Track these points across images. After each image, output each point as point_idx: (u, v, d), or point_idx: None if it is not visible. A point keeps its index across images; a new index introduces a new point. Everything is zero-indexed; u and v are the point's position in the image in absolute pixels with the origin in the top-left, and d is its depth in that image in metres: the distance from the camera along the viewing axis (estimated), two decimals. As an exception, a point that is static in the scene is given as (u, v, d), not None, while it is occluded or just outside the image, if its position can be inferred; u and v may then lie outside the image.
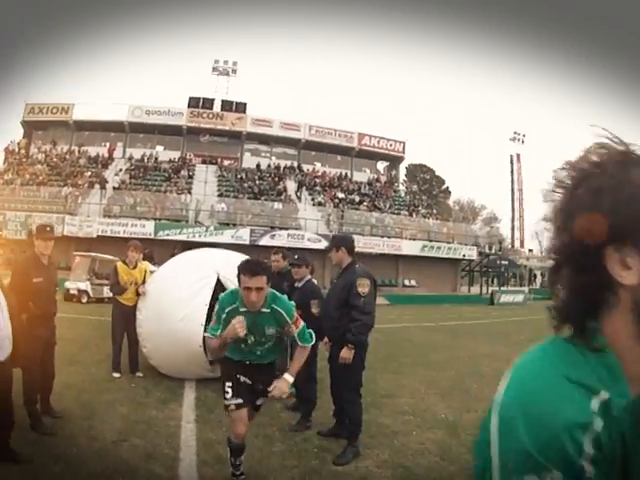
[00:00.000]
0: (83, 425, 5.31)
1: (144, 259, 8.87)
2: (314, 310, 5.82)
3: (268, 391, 3.91)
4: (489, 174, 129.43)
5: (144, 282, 7.81)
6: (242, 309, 3.81)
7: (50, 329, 5.58)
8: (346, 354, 4.97)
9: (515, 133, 63.61)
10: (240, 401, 4.02)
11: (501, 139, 64.47)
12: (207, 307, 6.84)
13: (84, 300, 18.21)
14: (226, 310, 3.87)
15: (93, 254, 20.18)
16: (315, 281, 6.84)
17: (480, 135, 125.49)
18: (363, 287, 5.08)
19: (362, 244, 31.02)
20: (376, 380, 7.77)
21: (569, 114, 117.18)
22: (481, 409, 6.46)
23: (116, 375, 7.48)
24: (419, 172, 72.28)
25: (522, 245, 63.09)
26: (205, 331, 6.27)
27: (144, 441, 5.00)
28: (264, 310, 3.86)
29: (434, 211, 43.11)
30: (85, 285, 18.70)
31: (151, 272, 8.39)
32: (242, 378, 4.09)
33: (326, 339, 5.33)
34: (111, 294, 8.33)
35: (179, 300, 6.98)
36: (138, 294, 7.66)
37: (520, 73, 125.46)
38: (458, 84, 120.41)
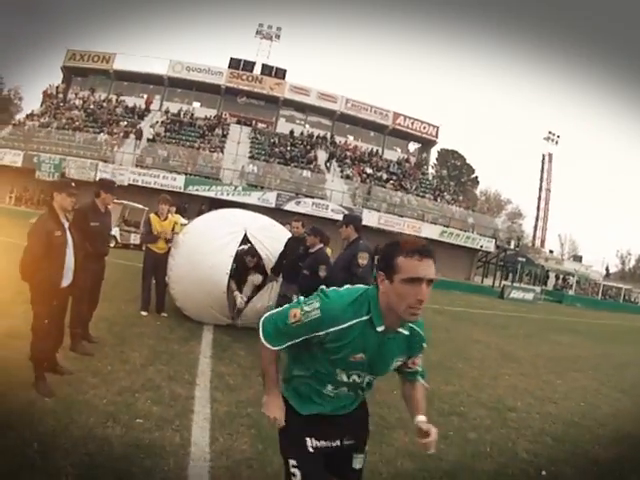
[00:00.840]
0: (116, 350, 6.04)
1: (176, 212, 9.52)
2: (321, 273, 6.61)
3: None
4: (519, 170, 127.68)
5: (173, 232, 8.49)
6: (378, 327, 2.19)
7: (101, 266, 6.23)
8: None
9: (550, 133, 63.58)
10: None
11: (535, 137, 64.29)
12: (232, 258, 7.83)
13: (112, 245, 18.96)
14: (334, 328, 2.19)
15: (125, 202, 20.82)
16: (328, 250, 7.75)
17: (516, 131, 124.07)
18: (363, 259, 6.01)
19: (383, 221, 31.59)
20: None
21: (603, 118, 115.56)
22: (459, 384, 7.15)
23: (144, 313, 8.24)
24: (450, 158, 72.43)
25: (543, 245, 63.41)
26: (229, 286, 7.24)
27: (167, 367, 5.76)
28: (401, 330, 2.28)
29: (459, 198, 43.16)
30: (114, 231, 19.39)
31: (181, 224, 9.12)
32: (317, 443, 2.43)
33: None
34: (139, 242, 8.97)
35: (210, 250, 7.72)
36: (167, 242, 8.36)
37: (560, 75, 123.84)
38: (501, 78, 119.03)
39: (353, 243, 6.30)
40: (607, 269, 61.26)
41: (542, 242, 64.10)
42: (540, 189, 64.70)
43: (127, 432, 3.88)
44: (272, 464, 3.62)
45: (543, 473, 4.55)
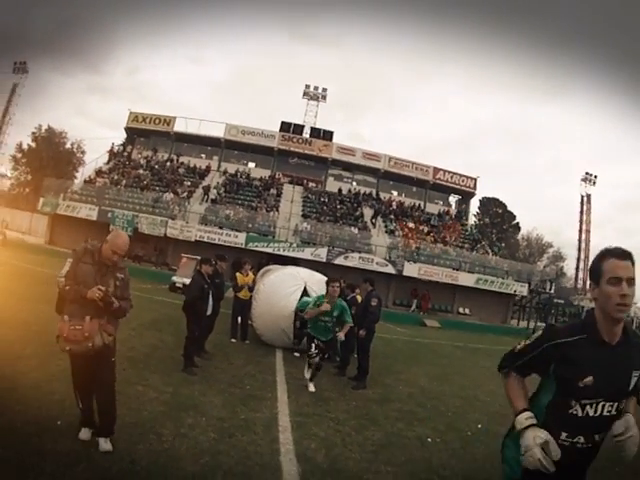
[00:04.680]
0: (224, 359, 9.72)
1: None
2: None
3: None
4: (558, 213, 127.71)
5: (254, 284, 12.23)
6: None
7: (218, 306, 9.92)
8: (362, 333, 9.80)
9: (587, 174, 64.32)
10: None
11: (573, 180, 64.80)
12: (297, 301, 11.41)
13: None
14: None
15: (198, 257, 24.33)
16: (358, 297, 11.45)
17: (553, 174, 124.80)
18: (373, 302, 9.97)
19: (422, 272, 34.35)
20: (397, 366, 11.80)
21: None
22: (449, 388, 10.63)
23: (233, 340, 11.96)
24: (492, 206, 74.14)
25: (584, 285, 63.45)
26: (296, 319, 11.25)
27: (257, 368, 9.46)
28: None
29: (495, 248, 45.01)
30: (190, 281, 22.97)
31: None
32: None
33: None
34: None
35: (282, 296, 11.50)
36: (250, 290, 12.04)
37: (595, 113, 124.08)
38: (532, 120, 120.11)
39: (369, 293, 10.36)
40: None
41: (584, 282, 64.15)
42: (580, 231, 65.39)
43: (240, 391, 7.42)
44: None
45: (429, 440, 6.81)
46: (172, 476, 4.28)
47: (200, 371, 8.30)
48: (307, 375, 8.54)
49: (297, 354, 11.28)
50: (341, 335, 8.27)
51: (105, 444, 4.46)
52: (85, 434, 4.59)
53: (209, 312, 9.05)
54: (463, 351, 18.70)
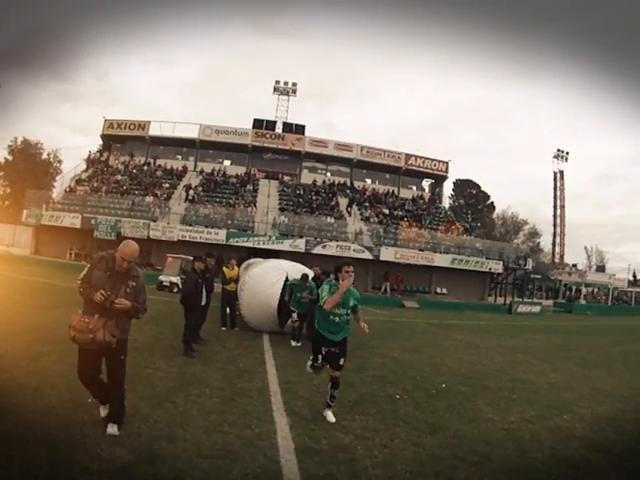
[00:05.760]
0: (218, 343, 10.92)
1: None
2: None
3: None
4: (534, 190, 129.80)
5: (238, 276, 13.47)
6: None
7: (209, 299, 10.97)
8: None
9: (559, 150, 66.45)
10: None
11: (547, 157, 65.97)
12: (280, 291, 12.81)
13: (175, 290, 23.34)
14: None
15: (183, 256, 25.44)
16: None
17: (526, 152, 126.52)
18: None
19: (399, 255, 35.62)
20: (373, 342, 13.05)
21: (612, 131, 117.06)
22: (420, 358, 11.92)
23: (223, 328, 13.17)
24: (466, 187, 75.50)
25: (562, 260, 65.46)
26: (280, 304, 12.49)
27: (247, 350, 10.75)
28: None
29: (477, 225, 45.85)
30: (176, 279, 24.08)
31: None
32: None
33: None
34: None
35: (266, 286, 12.79)
36: (236, 283, 13.30)
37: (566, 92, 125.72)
38: (504, 100, 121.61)
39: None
40: (634, 275, 62.66)
41: (561, 257, 66.81)
42: (555, 207, 67.62)
43: (235, 368, 8.59)
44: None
45: (397, 397, 8.06)
46: (188, 430, 5.43)
47: (198, 354, 9.52)
48: (328, 400, 6.66)
49: (297, 343, 12.05)
50: (365, 327, 6.73)
51: (111, 428, 5.05)
52: (104, 411, 5.29)
53: (203, 302, 10.34)
54: (438, 327, 19.97)
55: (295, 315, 12.21)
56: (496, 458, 5.55)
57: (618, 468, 5.57)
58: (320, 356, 6.62)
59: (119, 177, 42.49)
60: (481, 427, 6.71)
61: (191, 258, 22.53)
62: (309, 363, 6.86)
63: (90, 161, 45.61)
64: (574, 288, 50.43)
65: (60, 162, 64.91)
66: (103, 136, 47.83)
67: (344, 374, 9.03)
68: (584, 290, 48.76)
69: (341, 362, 6.68)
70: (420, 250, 37.28)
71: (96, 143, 50.04)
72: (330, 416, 6.44)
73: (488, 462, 5.41)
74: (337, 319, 6.59)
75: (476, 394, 8.66)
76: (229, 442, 5.19)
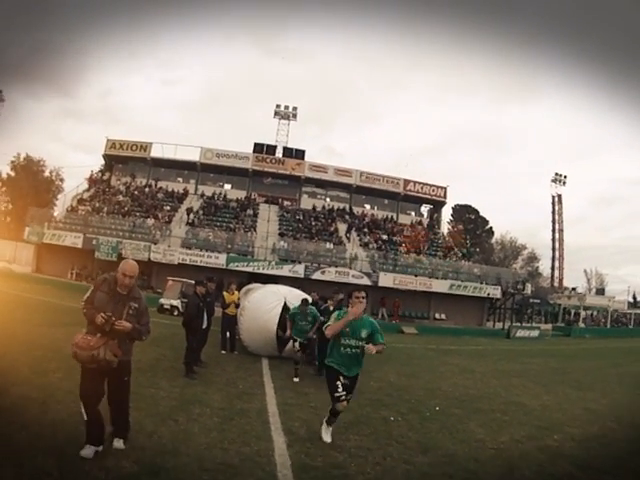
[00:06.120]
0: (217, 366, 11.18)
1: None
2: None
3: None
4: (533, 214, 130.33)
5: (238, 301, 13.76)
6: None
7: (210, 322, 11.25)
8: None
9: (556, 174, 67.06)
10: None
11: (546, 180, 66.50)
12: (278, 316, 13.00)
13: (175, 313, 23.66)
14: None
15: (183, 280, 25.74)
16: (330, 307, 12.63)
17: (526, 176, 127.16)
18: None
19: (397, 281, 35.85)
20: (369, 366, 13.34)
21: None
22: (416, 382, 12.16)
23: (223, 352, 13.40)
24: (465, 212, 75.86)
25: (561, 284, 65.57)
26: (277, 330, 12.76)
27: (247, 373, 10.97)
28: None
29: (476, 250, 46.02)
30: (177, 302, 24.36)
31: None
32: None
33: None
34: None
35: (265, 311, 13.04)
36: (236, 307, 13.55)
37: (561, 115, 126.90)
38: (503, 123, 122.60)
39: (339, 302, 12.24)
40: (634, 297, 62.80)
41: (560, 281, 66.90)
42: (553, 230, 68.17)
43: (235, 390, 8.85)
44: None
45: (392, 418, 8.39)
46: (190, 445, 5.69)
47: (199, 376, 9.81)
48: (325, 428, 6.63)
49: (296, 379, 11.08)
50: (371, 348, 6.14)
51: (117, 443, 5.26)
52: (87, 452, 4.87)
53: (204, 325, 10.65)
54: (435, 352, 20.20)
55: (297, 344, 11.63)
56: (484, 475, 5.79)
57: None
58: (340, 384, 6.25)
59: (121, 198, 42.88)
60: (472, 447, 6.94)
61: (191, 282, 22.87)
62: (331, 407, 6.48)
63: (92, 181, 46.12)
64: (573, 312, 50.41)
65: (62, 180, 65.22)
66: (105, 156, 48.27)
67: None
68: (583, 313, 48.80)
69: (348, 397, 6.43)
70: (415, 276, 37.49)
71: (97, 161, 50.64)
72: (327, 435, 6.42)
73: (476, 479, 5.64)
74: (348, 351, 6.25)
75: (469, 416, 8.88)
76: (229, 457, 5.44)
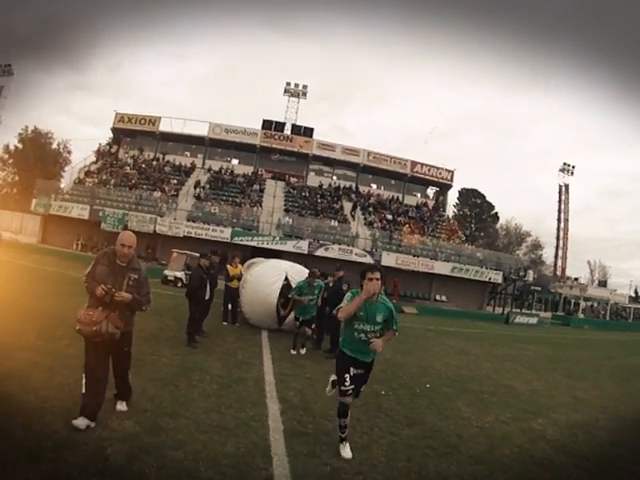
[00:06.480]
0: (219, 336, 11.55)
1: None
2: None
3: None
4: (541, 201, 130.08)
5: (241, 274, 14.07)
6: None
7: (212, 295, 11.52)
8: (334, 313, 11.13)
9: (565, 164, 66.78)
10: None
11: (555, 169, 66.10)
12: (279, 289, 13.32)
13: (179, 285, 24.08)
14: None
15: (187, 252, 26.14)
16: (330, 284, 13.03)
17: (535, 163, 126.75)
18: (344, 286, 11.76)
19: (400, 261, 36.16)
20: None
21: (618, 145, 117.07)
22: (412, 360, 12.47)
23: (224, 323, 13.78)
24: (471, 196, 75.83)
25: (563, 273, 65.74)
26: (277, 305, 13.05)
27: (247, 344, 11.27)
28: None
29: (481, 234, 46.18)
30: (181, 274, 24.77)
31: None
32: None
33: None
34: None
35: (266, 285, 13.33)
36: (239, 280, 13.88)
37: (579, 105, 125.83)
38: (514, 110, 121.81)
39: (340, 279, 12.63)
40: (636, 292, 62.96)
41: (563, 270, 66.92)
42: (559, 220, 67.93)
43: (234, 359, 9.20)
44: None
45: (382, 392, 8.75)
46: (189, 409, 6.04)
47: (200, 345, 10.17)
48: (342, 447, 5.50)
49: (294, 351, 11.36)
50: (377, 344, 5.42)
51: (121, 405, 5.63)
52: (81, 422, 4.89)
53: (207, 297, 10.97)
54: (433, 333, 20.54)
55: (297, 323, 11.63)
56: (466, 451, 6.07)
57: (580, 467, 6.04)
58: (348, 377, 5.54)
59: (128, 170, 43.27)
60: (457, 424, 7.24)
61: (196, 254, 23.17)
62: (328, 388, 6.20)
63: (100, 153, 46.61)
64: (573, 301, 50.72)
65: (70, 153, 65.93)
66: (113, 129, 48.74)
67: (334, 370, 9.69)
68: (583, 304, 49.05)
69: (362, 388, 5.83)
70: (415, 256, 37.88)
71: (105, 135, 50.98)
72: (347, 451, 5.44)
73: (458, 454, 5.94)
74: (362, 336, 5.49)
75: (458, 395, 9.20)
76: (225, 421, 5.80)
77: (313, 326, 11.79)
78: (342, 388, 5.57)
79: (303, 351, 11.15)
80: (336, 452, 5.36)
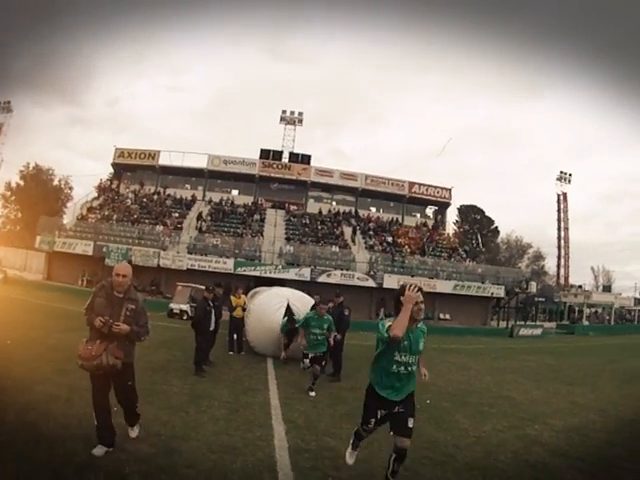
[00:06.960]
0: (225, 365, 11.93)
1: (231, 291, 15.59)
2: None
3: None
4: (541, 212, 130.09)
5: (245, 304, 14.53)
6: None
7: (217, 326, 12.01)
8: (337, 337, 11.31)
9: (562, 173, 66.77)
10: None
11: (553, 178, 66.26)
12: (282, 317, 13.72)
13: (184, 317, 24.39)
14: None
15: (192, 285, 26.58)
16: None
17: (533, 174, 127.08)
18: (345, 312, 12.23)
19: (402, 282, 36.29)
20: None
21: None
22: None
23: (231, 353, 14.21)
24: (470, 213, 76.10)
25: (566, 282, 65.33)
26: (282, 330, 13.31)
27: (252, 371, 11.71)
28: None
29: (482, 250, 46.31)
30: (186, 307, 25.19)
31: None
32: None
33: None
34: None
35: (269, 313, 13.86)
36: (243, 310, 14.35)
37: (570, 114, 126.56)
38: (510, 122, 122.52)
39: (340, 304, 12.82)
40: None
41: (566, 279, 66.73)
42: (559, 229, 67.85)
43: (241, 386, 9.60)
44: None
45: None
46: (200, 432, 6.48)
47: (208, 374, 10.64)
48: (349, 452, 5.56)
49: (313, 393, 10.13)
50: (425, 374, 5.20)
51: (132, 432, 5.91)
52: (99, 450, 5.22)
53: (212, 327, 11.50)
54: (437, 351, 20.74)
55: (307, 361, 10.25)
56: (462, 459, 6.44)
57: (573, 468, 6.35)
58: (374, 421, 5.00)
59: (129, 204, 43.74)
60: (454, 434, 7.63)
61: (201, 287, 23.55)
62: (355, 430, 5.43)
63: (101, 189, 46.99)
64: (577, 309, 50.84)
65: (71, 189, 66.36)
66: (114, 164, 49.17)
67: (337, 392, 10.18)
68: (587, 311, 49.18)
69: (410, 424, 4.93)
70: (413, 276, 37.90)
71: (105, 169, 51.45)
72: (351, 458, 5.41)
73: (454, 462, 6.31)
74: (402, 369, 4.81)
75: (457, 408, 9.60)
76: (234, 442, 6.22)
77: (324, 363, 10.81)
78: (364, 427, 5.15)
79: (313, 394, 9.72)
80: (337, 466, 5.73)
